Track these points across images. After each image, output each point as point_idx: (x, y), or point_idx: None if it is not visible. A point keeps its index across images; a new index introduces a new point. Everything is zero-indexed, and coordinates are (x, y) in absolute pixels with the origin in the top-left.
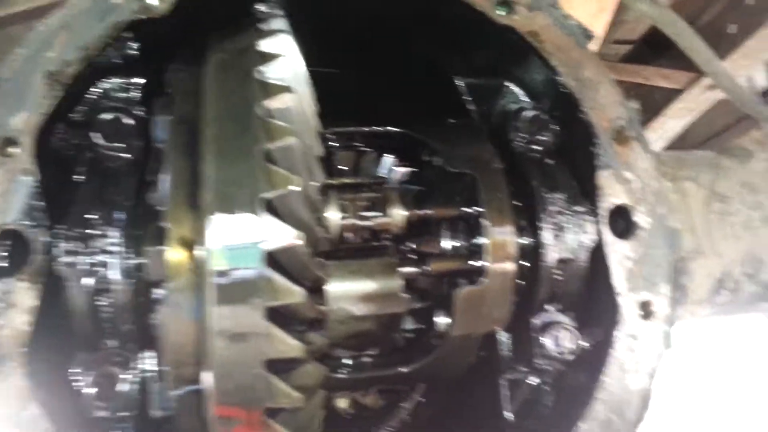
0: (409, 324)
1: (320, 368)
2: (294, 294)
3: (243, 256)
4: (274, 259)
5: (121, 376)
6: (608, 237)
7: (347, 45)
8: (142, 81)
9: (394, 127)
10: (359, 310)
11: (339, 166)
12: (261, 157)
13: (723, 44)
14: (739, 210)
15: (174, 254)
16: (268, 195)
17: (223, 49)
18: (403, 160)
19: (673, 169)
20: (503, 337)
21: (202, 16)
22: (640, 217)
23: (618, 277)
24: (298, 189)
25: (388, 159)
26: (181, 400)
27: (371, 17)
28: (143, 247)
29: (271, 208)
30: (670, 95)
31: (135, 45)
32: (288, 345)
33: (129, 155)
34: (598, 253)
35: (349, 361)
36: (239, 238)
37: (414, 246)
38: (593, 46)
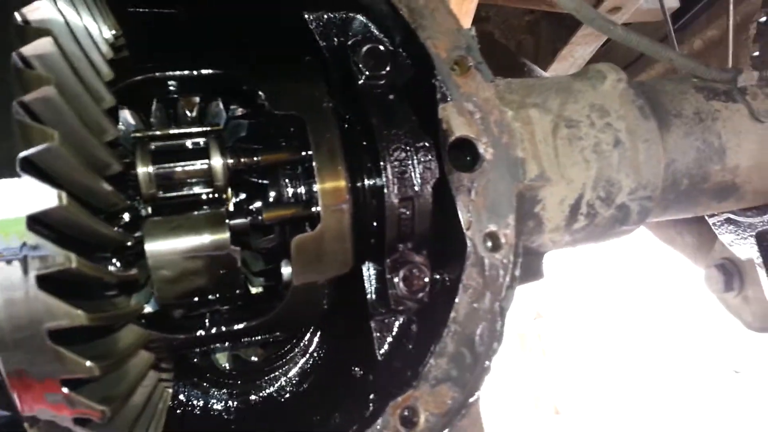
0: (259, 275)
1: (135, 333)
2: (66, 259)
3: (5, 226)
4: (43, 223)
5: None
6: (451, 171)
7: None
8: None
9: (227, 70)
10: (184, 267)
11: (182, 114)
12: (16, 111)
13: None
14: (588, 134)
15: None
16: (25, 153)
17: None
18: (243, 105)
19: (520, 96)
20: (367, 280)
21: None
22: (483, 149)
23: (463, 211)
24: (56, 144)
25: (230, 105)
26: None
27: None
28: None
29: (32, 167)
30: (578, 22)
31: None
32: (66, 313)
33: None
34: (443, 188)
35: (197, 319)
36: None
37: (246, 195)
38: None
